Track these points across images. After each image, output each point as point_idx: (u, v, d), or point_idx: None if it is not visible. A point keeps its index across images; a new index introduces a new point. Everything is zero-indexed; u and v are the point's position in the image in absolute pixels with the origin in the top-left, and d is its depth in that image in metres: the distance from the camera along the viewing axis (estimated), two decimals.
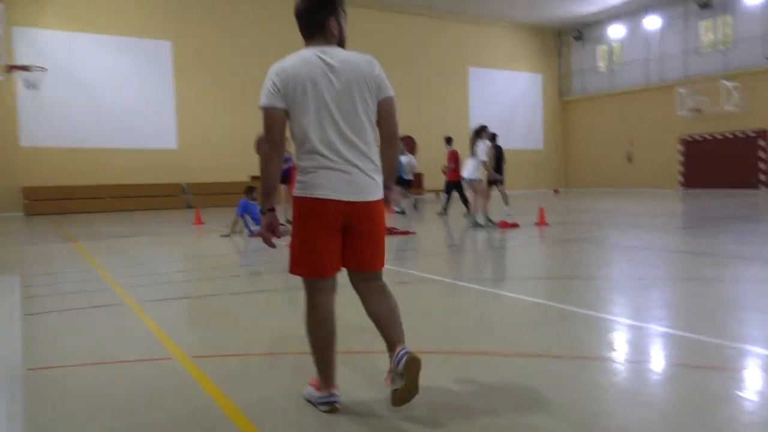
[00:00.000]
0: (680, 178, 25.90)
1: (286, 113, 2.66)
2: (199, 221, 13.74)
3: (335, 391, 2.75)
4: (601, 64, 29.45)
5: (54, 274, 7.02)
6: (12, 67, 15.30)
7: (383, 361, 2.91)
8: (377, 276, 2.92)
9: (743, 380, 3.11)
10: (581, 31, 29.41)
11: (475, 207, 11.40)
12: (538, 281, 6.30)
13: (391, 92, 2.80)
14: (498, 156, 14.14)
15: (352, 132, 2.66)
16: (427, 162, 21.79)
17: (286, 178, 12.56)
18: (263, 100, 2.65)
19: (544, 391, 2.93)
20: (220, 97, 21.49)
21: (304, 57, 2.68)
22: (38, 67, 15.82)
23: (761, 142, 23.14)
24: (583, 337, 3.94)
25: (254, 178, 19.39)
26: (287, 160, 12.47)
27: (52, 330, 4.44)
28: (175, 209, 19.91)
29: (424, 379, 2.73)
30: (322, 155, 2.63)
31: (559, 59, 30.86)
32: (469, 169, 11.18)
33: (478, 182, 11.07)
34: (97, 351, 3.86)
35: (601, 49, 29.43)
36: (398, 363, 2.63)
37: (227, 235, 10.71)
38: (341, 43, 2.80)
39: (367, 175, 2.69)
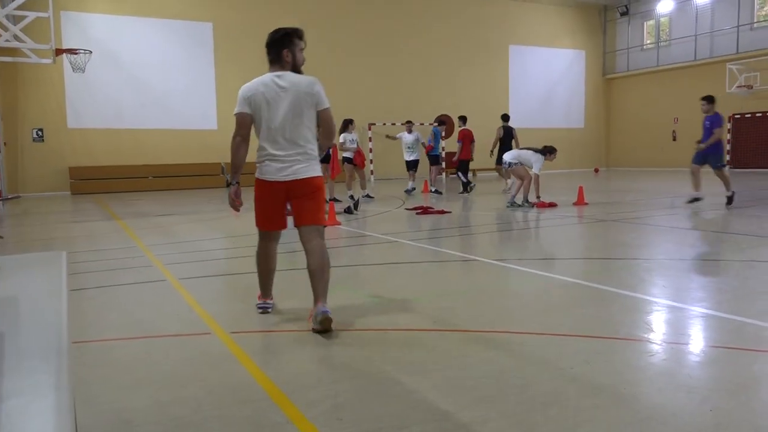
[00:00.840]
0: (727, 157, 25.02)
1: (252, 118, 3.82)
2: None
3: (269, 301, 4.20)
4: (648, 41, 28.52)
5: (99, 251, 7.25)
6: (60, 51, 15.69)
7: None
8: (318, 232, 3.91)
9: None
10: (628, 6, 28.48)
11: (517, 189, 11.28)
12: (576, 261, 6.22)
13: (327, 105, 3.86)
14: (507, 137, 14.32)
15: (295, 134, 3.77)
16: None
17: (327, 157, 12.64)
18: (237, 109, 3.85)
19: (581, 371, 2.91)
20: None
21: (263, 80, 3.82)
22: (84, 50, 16.20)
23: None
24: (622, 317, 3.88)
25: None
26: None
27: (96, 305, 4.61)
28: (215, 188, 20.27)
29: (464, 357, 2.73)
30: (269, 151, 3.81)
31: (604, 35, 29.99)
32: (512, 155, 11.13)
33: (518, 166, 10.98)
34: (140, 325, 3.99)
35: (648, 25, 28.47)
36: (317, 316, 3.63)
37: None
38: (295, 68, 3.88)
39: (302, 162, 3.81)
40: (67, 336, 1.30)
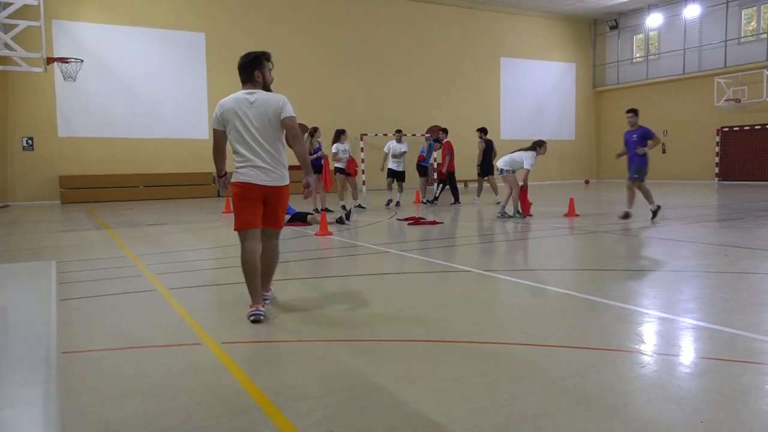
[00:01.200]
0: (716, 170, 25.25)
1: (224, 132, 4.32)
2: (229, 210, 13.92)
3: (260, 308, 4.23)
4: (638, 54, 28.83)
5: (88, 261, 7.20)
6: (51, 60, 15.65)
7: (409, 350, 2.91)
8: (276, 234, 4.54)
9: None
10: (617, 20, 28.81)
11: (506, 199, 11.35)
12: (567, 272, 6.23)
13: (289, 113, 4.27)
14: (488, 149, 14.79)
15: (266, 143, 4.25)
16: (456, 152, 21.61)
17: (319, 167, 12.64)
18: (213, 125, 4.35)
19: (573, 383, 2.91)
20: None
21: (236, 96, 4.31)
22: (75, 59, 16.16)
23: None
24: (613, 329, 3.89)
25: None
26: (318, 150, 12.55)
27: (85, 315, 4.57)
28: (206, 198, 20.22)
29: (455, 368, 2.73)
30: (245, 157, 4.24)
31: (594, 49, 30.29)
32: (504, 161, 11.15)
33: (509, 174, 10.99)
34: (129, 336, 3.96)
35: (638, 39, 28.79)
36: (262, 302, 4.32)
37: None
38: (265, 86, 4.39)
39: (278, 171, 4.30)
40: (56, 346, 1.28)
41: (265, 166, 4.23)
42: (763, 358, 3.27)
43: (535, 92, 28.34)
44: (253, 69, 4.36)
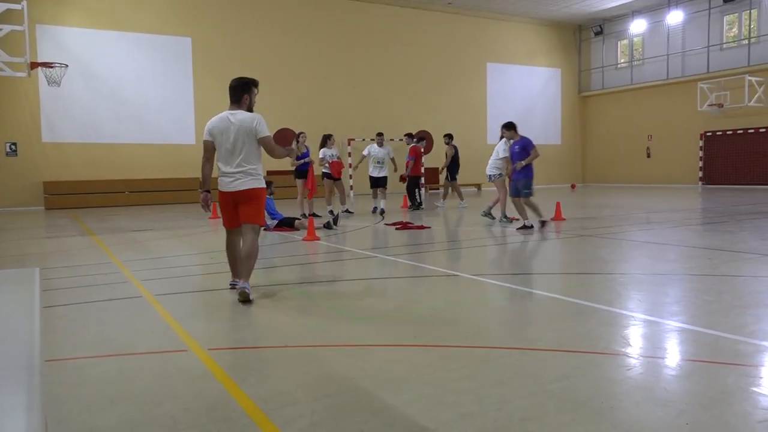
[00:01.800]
0: (700, 174, 25.54)
1: (212, 144, 5.19)
2: (215, 215, 13.85)
3: (237, 280, 5.24)
4: (622, 59, 29.13)
5: (73, 267, 7.13)
6: (35, 64, 15.51)
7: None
8: (253, 229, 5.21)
9: (759, 376, 3.07)
10: (602, 26, 29.10)
11: (494, 202, 11.45)
12: (554, 276, 6.26)
13: (265, 134, 5.12)
14: (455, 156, 14.93)
15: (239, 156, 5.10)
16: (443, 158, 21.68)
17: (304, 173, 12.62)
18: (204, 137, 5.23)
19: (560, 386, 2.92)
20: None
21: (222, 116, 5.17)
22: (60, 63, 16.03)
23: None
24: (599, 332, 3.91)
25: (270, 173, 19.46)
26: (305, 155, 12.53)
27: (70, 322, 4.52)
28: (193, 203, 20.10)
29: (443, 373, 2.73)
30: (222, 169, 5.15)
31: (579, 54, 30.55)
32: (489, 165, 11.22)
33: (498, 179, 11.07)
34: (114, 343, 3.92)
35: (622, 44, 29.09)
36: (237, 289, 5.02)
37: None
38: (249, 108, 5.21)
39: (243, 178, 5.12)
40: (39, 354, 1.27)
41: (233, 175, 5.12)
42: (746, 360, 3.31)
43: (522, 97, 28.52)
44: (243, 93, 5.16)
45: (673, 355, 3.50)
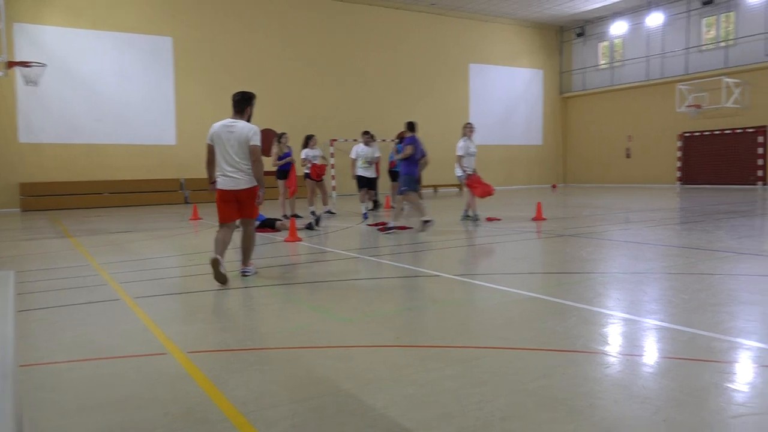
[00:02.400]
0: (678, 174, 25.90)
1: (214, 147, 5.96)
2: (196, 217, 13.75)
3: (218, 257, 5.68)
4: (603, 61, 29.44)
5: (50, 270, 7.03)
6: (12, 63, 15.26)
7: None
8: (250, 222, 6.21)
9: (734, 372, 3.13)
10: (583, 28, 29.40)
11: (467, 205, 11.65)
12: (534, 276, 6.31)
13: (254, 142, 5.89)
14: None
15: (237, 159, 5.89)
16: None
17: (286, 173, 12.58)
18: (207, 140, 6.02)
19: (540, 385, 2.94)
20: (220, 92, 21.46)
21: (223, 123, 5.97)
22: (38, 63, 15.79)
23: (760, 139, 23.11)
24: (579, 331, 3.95)
25: None
26: (286, 155, 12.49)
27: (46, 326, 4.45)
28: (173, 204, 19.93)
29: (424, 373, 2.74)
30: (222, 169, 5.93)
31: (560, 55, 30.83)
32: (456, 167, 11.53)
33: (465, 178, 11.34)
34: (92, 347, 3.88)
35: (603, 46, 29.40)
36: (242, 272, 6.18)
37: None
38: (249, 118, 6.09)
39: (243, 178, 5.91)
40: (14, 359, 1.25)
41: (234, 176, 5.89)
42: (721, 357, 3.36)
43: (504, 98, 28.71)
44: (246, 105, 6.07)
45: (650, 353, 3.55)
